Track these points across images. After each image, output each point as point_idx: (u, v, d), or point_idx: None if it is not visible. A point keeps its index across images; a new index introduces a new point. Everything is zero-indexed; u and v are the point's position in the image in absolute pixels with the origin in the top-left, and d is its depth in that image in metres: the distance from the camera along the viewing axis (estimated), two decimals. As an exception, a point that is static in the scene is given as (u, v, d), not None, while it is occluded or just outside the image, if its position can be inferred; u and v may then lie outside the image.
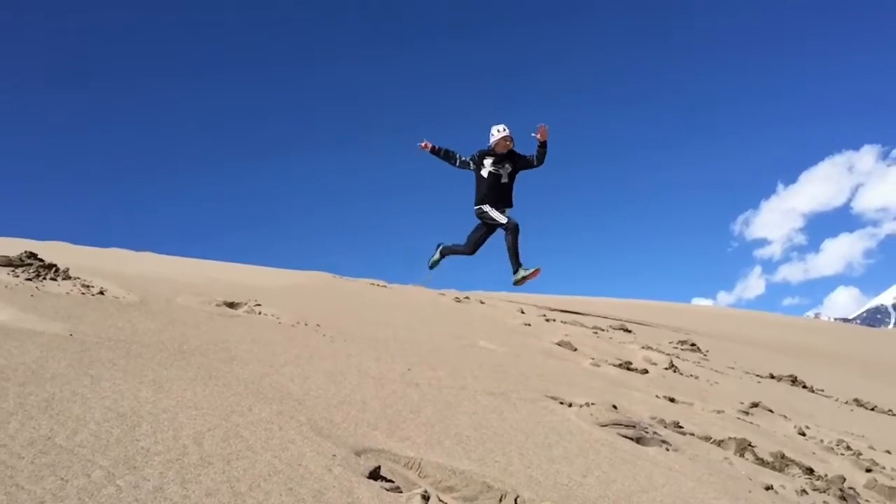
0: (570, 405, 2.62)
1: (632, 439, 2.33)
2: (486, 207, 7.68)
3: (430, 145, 7.88)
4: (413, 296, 6.23)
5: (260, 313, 3.32)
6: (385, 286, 6.80)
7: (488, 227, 7.83)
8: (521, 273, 7.47)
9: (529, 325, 5.20)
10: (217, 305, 3.29)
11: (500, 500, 1.56)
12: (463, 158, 7.83)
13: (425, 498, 1.40)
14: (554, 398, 2.69)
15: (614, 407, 2.67)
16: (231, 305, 3.37)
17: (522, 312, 6.12)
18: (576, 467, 1.89)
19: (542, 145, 7.85)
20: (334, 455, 1.53)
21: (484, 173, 7.70)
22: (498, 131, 7.76)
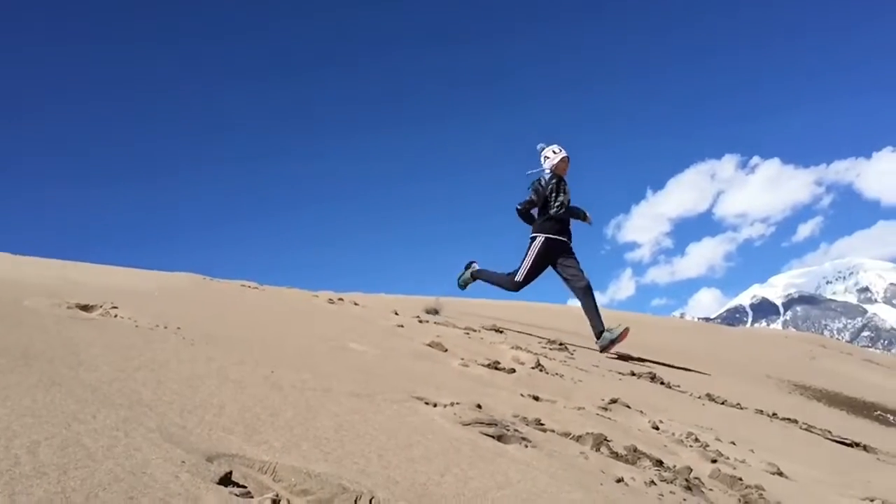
0: (435, 405, 2.64)
1: (493, 437, 2.38)
2: (535, 242, 7.18)
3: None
4: (285, 297, 6.13)
5: (116, 316, 3.17)
6: (257, 288, 6.65)
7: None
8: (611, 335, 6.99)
9: (402, 326, 5.22)
10: (69, 308, 3.12)
11: (356, 501, 1.55)
12: (533, 199, 7.16)
13: (275, 502, 1.38)
14: (420, 399, 2.71)
15: (479, 406, 2.71)
16: (85, 308, 3.20)
17: (396, 314, 6.14)
18: (435, 466, 1.91)
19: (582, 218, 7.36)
20: (183, 461, 1.48)
21: (557, 202, 7.11)
22: (554, 152, 7.12)
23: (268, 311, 4.83)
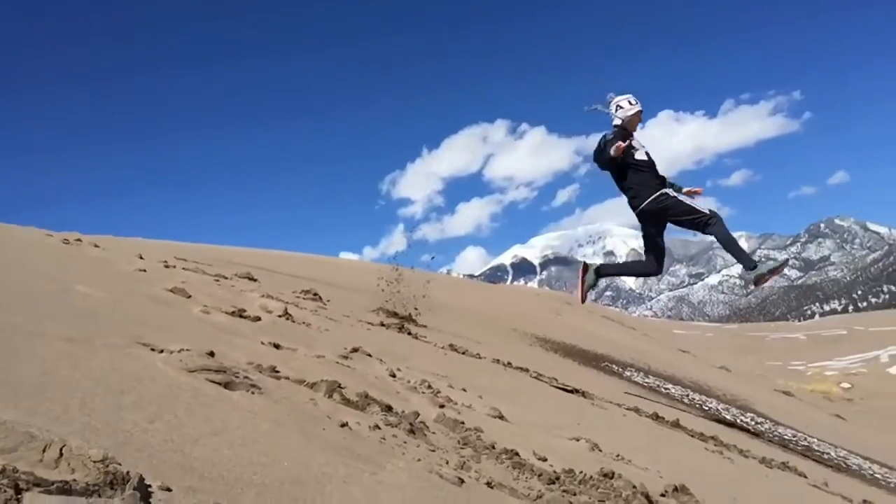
0: (161, 352, 2.54)
1: (219, 384, 2.33)
2: (672, 192, 6.09)
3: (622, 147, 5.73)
4: (10, 235, 5.55)
5: None
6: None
7: (663, 220, 6.15)
8: (767, 266, 6.01)
9: (145, 270, 4.94)
10: None
11: (44, 450, 1.45)
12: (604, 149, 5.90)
13: (-63, 452, 1.26)
14: (146, 345, 2.59)
15: (211, 353, 2.65)
16: None
17: (141, 258, 5.80)
18: (145, 413, 1.83)
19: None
20: None
21: (640, 156, 6.04)
22: (630, 103, 6.14)
23: (-15, 248, 4.35)
